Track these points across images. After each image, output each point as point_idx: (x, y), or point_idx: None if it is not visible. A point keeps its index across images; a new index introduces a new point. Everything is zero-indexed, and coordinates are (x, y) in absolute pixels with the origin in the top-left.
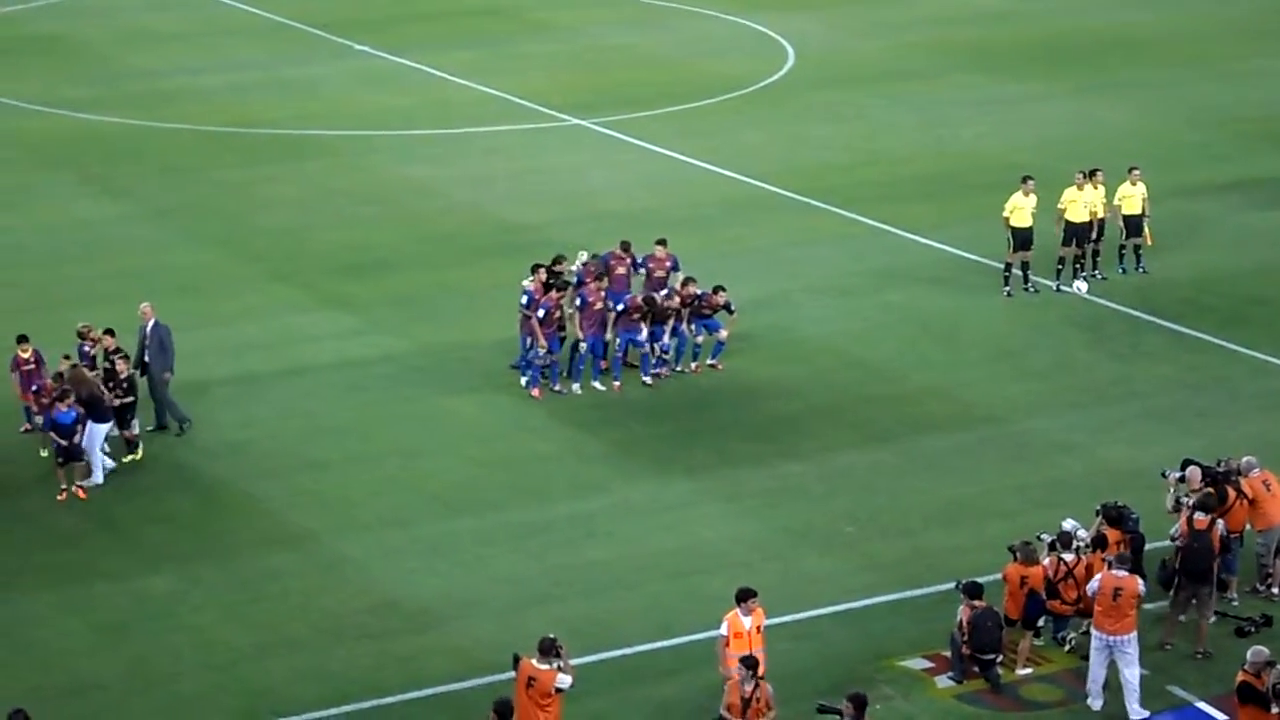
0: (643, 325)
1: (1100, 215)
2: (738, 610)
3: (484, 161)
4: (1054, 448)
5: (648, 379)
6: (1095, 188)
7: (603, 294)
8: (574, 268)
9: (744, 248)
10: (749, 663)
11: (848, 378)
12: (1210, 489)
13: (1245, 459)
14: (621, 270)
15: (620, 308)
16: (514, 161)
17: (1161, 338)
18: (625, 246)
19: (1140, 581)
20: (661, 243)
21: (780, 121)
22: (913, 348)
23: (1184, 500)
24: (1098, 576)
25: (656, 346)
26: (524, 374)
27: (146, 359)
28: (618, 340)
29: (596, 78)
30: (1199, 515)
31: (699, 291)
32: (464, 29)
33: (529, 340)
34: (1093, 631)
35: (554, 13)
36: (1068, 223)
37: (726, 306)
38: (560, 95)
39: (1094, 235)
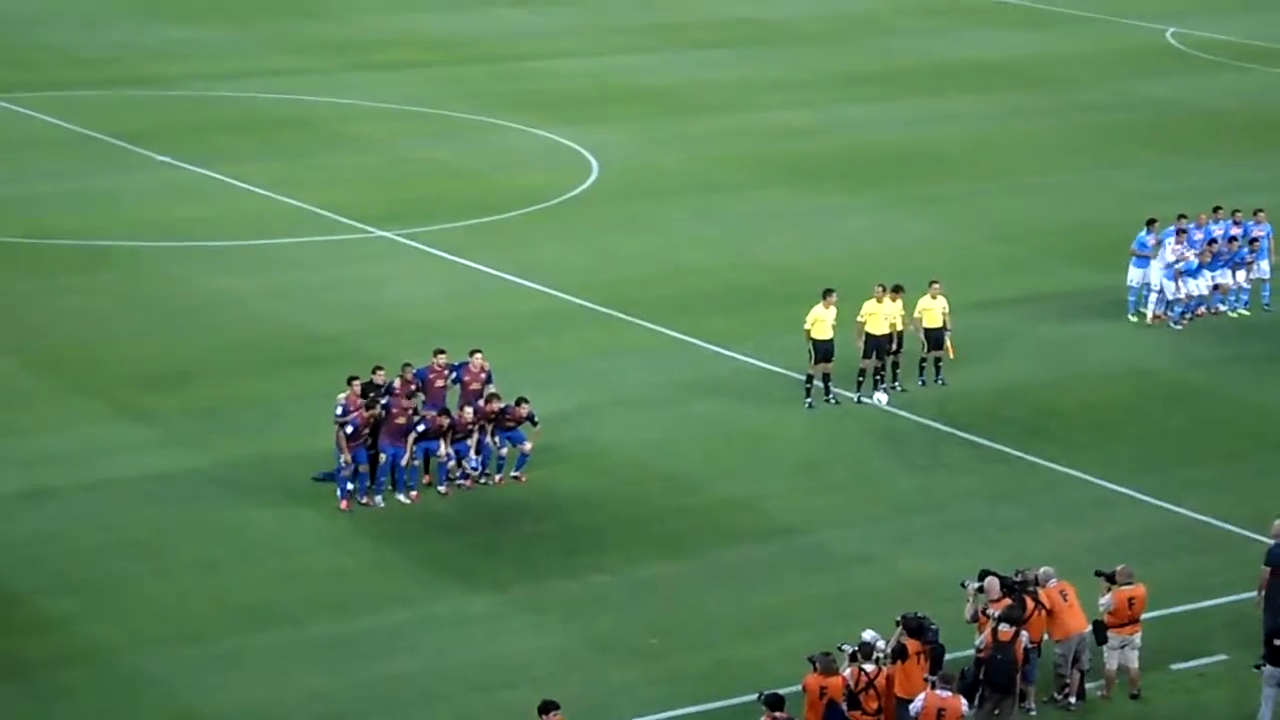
0: (441, 440)
1: (900, 328)
2: None
3: (287, 273)
4: (855, 559)
5: (443, 489)
6: (895, 300)
7: (409, 411)
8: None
9: (548, 360)
10: None
11: (652, 489)
12: (1013, 601)
13: (1042, 570)
14: (440, 383)
15: (422, 428)
16: (318, 273)
17: (961, 449)
18: (439, 352)
19: (964, 702)
20: (476, 352)
21: (584, 234)
22: (716, 459)
23: (991, 613)
24: (921, 696)
25: (465, 464)
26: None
27: None
28: (414, 450)
29: (401, 190)
30: (1004, 627)
31: (503, 405)
32: (268, 140)
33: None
34: None
35: (358, 125)
36: (868, 335)
37: (530, 418)
38: (364, 207)
39: (894, 348)
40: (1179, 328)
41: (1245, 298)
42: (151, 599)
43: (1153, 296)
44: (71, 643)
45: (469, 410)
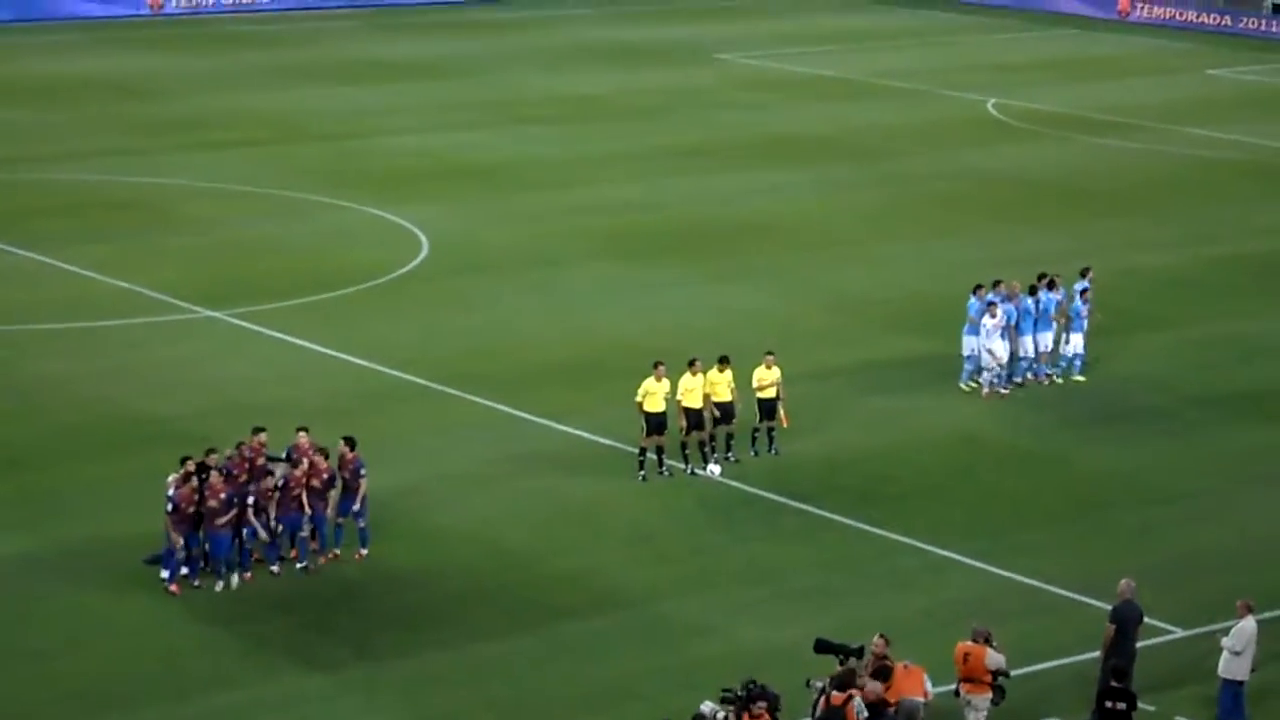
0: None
1: (724, 399)
2: None
3: (116, 355)
4: (691, 630)
5: (275, 568)
6: (722, 371)
7: (221, 494)
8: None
9: (380, 437)
10: None
11: (487, 564)
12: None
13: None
14: (260, 461)
15: (251, 501)
16: (147, 354)
17: (795, 518)
18: (258, 430)
19: None
20: (301, 431)
21: (415, 310)
22: (550, 533)
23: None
24: None
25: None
26: (165, 568)
27: None
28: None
29: (230, 269)
30: (835, 692)
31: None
32: (96, 222)
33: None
34: None
35: (187, 205)
36: (685, 409)
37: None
38: (193, 288)
39: (719, 418)
40: (1005, 392)
41: (1077, 363)
42: None
43: (986, 374)
44: None
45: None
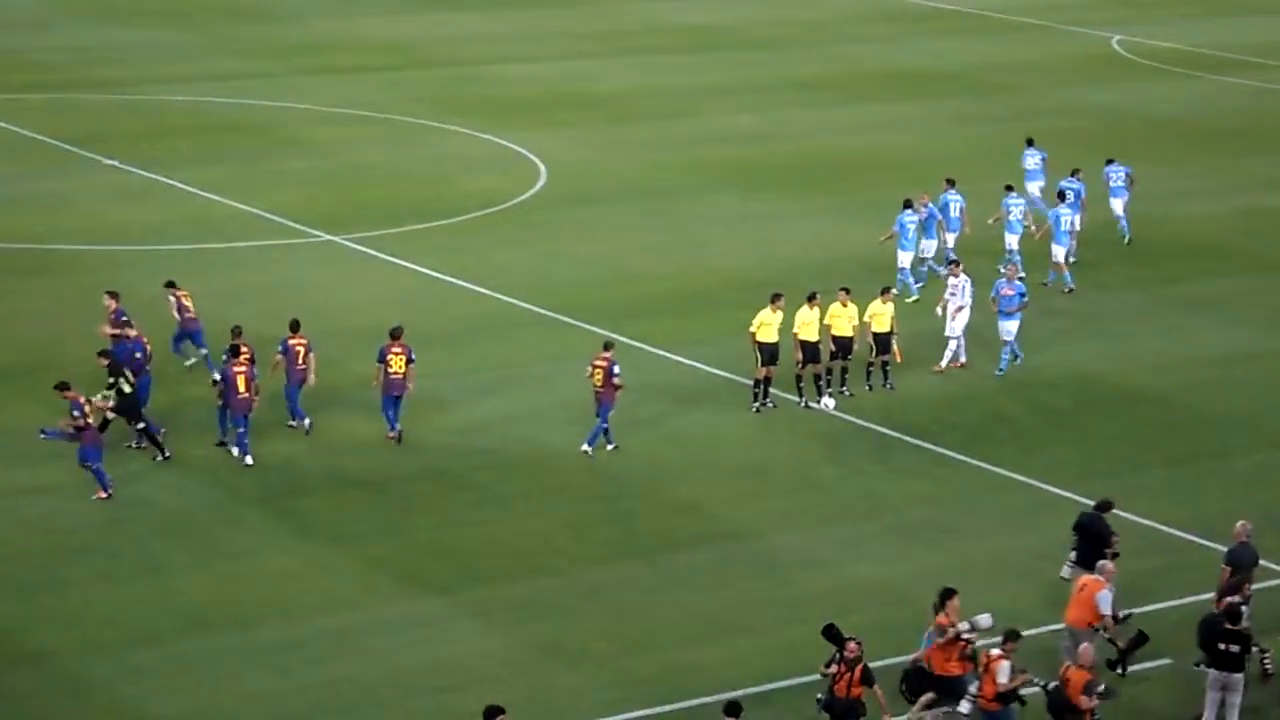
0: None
1: (845, 334)
2: None
3: (234, 276)
4: (801, 563)
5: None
6: (845, 306)
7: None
8: None
9: (496, 364)
10: None
11: (599, 492)
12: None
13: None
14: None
15: None
16: (264, 277)
17: (907, 454)
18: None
19: None
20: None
21: (532, 238)
22: (663, 463)
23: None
24: None
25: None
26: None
27: None
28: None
29: (349, 194)
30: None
31: None
32: (215, 144)
33: None
34: None
35: (306, 129)
36: (802, 342)
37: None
38: (312, 211)
39: (837, 352)
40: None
41: None
42: (97, 602)
43: (951, 343)
44: (15, 648)
45: None
